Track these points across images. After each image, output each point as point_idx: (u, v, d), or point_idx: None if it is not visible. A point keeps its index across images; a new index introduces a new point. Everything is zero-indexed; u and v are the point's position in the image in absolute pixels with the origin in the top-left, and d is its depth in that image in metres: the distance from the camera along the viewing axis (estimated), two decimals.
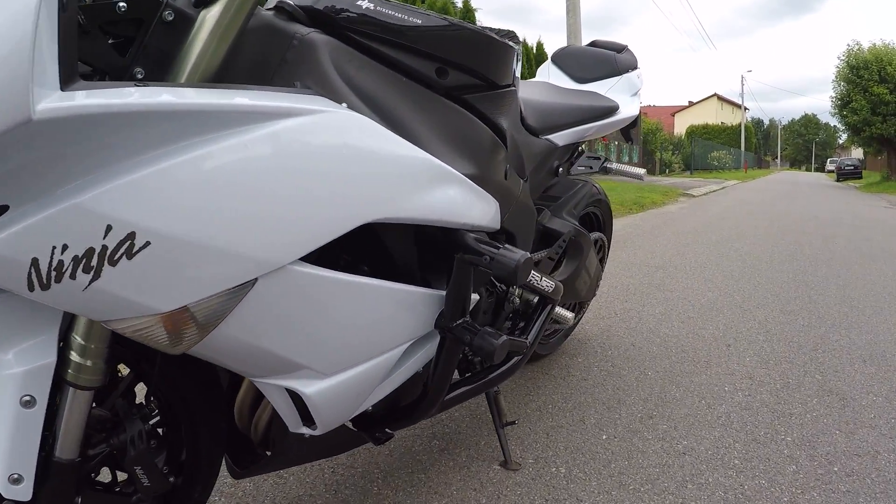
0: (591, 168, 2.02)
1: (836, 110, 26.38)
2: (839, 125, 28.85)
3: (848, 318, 3.16)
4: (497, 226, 1.35)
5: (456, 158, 1.15)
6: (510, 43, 1.27)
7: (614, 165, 2.09)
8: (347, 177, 0.89)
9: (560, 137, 1.79)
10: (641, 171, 2.10)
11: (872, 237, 6.61)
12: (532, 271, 1.43)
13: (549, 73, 2.22)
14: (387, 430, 1.35)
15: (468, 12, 12.04)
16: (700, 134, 47.76)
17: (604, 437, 1.89)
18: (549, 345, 2.52)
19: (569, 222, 1.96)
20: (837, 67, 26.16)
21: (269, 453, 1.26)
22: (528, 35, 19.19)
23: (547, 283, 1.54)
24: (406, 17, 1.08)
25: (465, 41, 1.16)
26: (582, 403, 2.12)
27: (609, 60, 2.16)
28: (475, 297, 1.37)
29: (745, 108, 60.51)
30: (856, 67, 24.72)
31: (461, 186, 1.13)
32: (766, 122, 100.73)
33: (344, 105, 0.93)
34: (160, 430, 1.15)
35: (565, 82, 2.16)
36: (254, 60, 0.97)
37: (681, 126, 57.29)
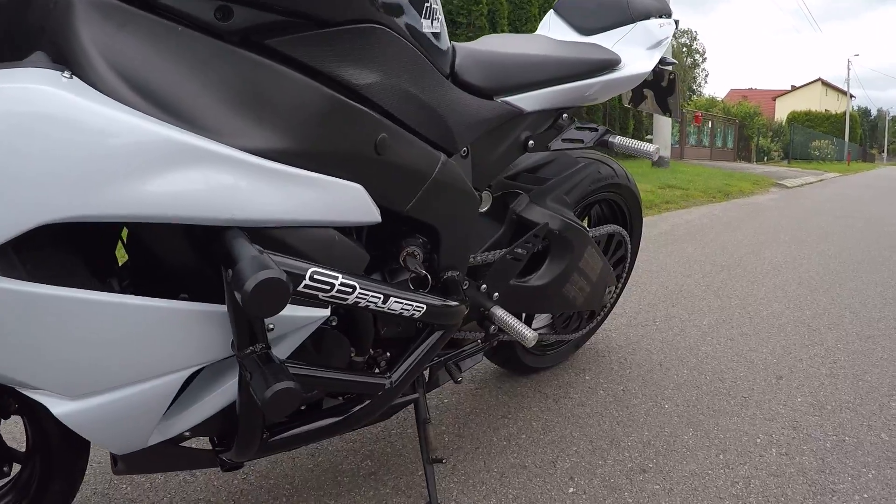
0: (582, 142, 1.55)
1: None
2: None
3: None
4: (369, 218, 1.04)
5: (252, 128, 0.87)
6: None
7: (617, 139, 1.59)
8: (9, 167, 0.71)
9: (526, 100, 1.35)
10: (653, 147, 1.59)
11: None
12: (372, 291, 1.02)
13: (549, 26, 1.75)
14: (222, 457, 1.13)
15: None
16: (801, 121, 44.79)
17: (571, 489, 1.45)
18: (547, 357, 2.08)
19: (553, 211, 1.52)
20: None
21: None
22: None
23: (412, 305, 1.12)
24: None
25: None
26: (564, 438, 1.68)
27: (619, 5, 1.67)
28: (324, 312, 1.01)
29: (851, 96, 56.23)
30: None
31: (239, 169, 0.84)
32: (874, 111, 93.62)
33: (66, 74, 0.76)
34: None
35: (568, 35, 1.69)
36: (13, 34, 0.81)
37: (782, 111, 54.03)
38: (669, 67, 1.72)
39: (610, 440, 1.67)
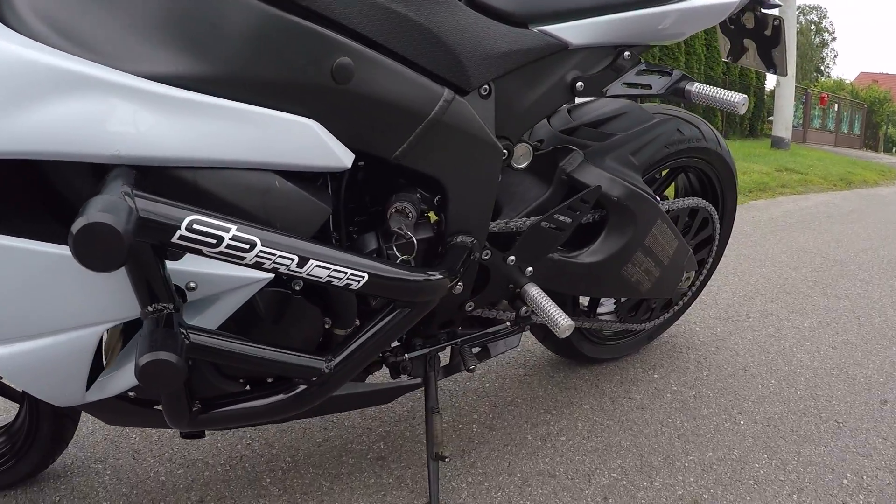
0: (650, 87, 1.26)
1: None
2: None
3: None
4: (327, 162, 0.87)
5: (159, 51, 0.75)
6: None
7: (696, 87, 1.27)
8: None
9: (572, 31, 1.10)
10: (739, 96, 1.25)
11: None
12: (281, 251, 0.81)
13: None
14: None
15: None
16: None
17: None
18: (609, 347, 1.82)
19: (613, 174, 1.26)
20: None
21: None
22: None
23: (344, 273, 0.88)
24: None
25: None
26: (610, 447, 1.43)
27: None
28: (263, 274, 0.89)
29: None
30: None
31: (131, 98, 0.72)
32: None
33: None
34: None
35: None
36: None
37: None
38: (774, 12, 1.39)
39: (664, 457, 1.42)
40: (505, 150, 1.11)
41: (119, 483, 1.33)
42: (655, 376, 1.81)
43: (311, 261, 0.84)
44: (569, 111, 1.41)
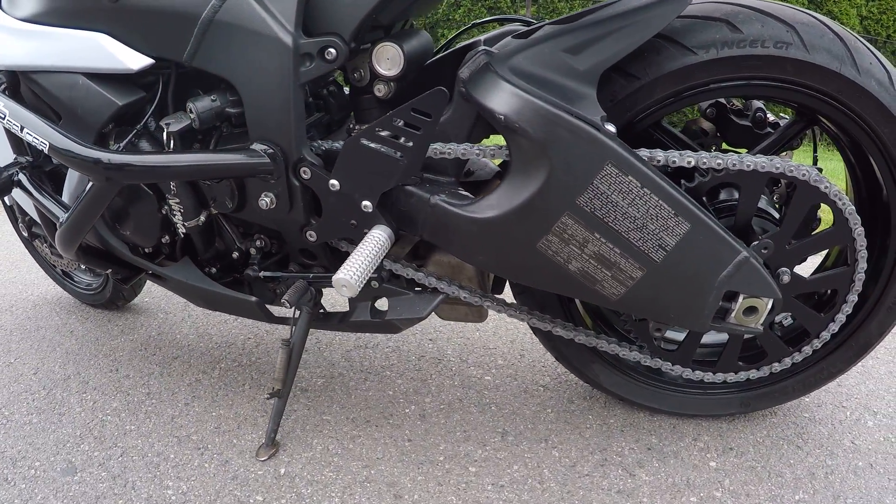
0: None
1: None
2: None
3: None
4: (114, 65, 1.06)
5: (23, 3, 1.17)
6: None
7: None
8: None
9: None
10: None
11: None
12: (10, 116, 1.17)
13: None
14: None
15: None
16: None
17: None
18: (655, 395, 1.30)
19: (509, 80, 0.91)
20: None
21: None
22: None
23: (39, 139, 1.14)
24: None
25: None
26: None
27: None
28: None
29: None
30: None
31: (5, 32, 1.16)
32: None
33: None
34: None
35: None
36: None
37: None
38: None
39: None
40: (332, 50, 0.94)
41: (190, 331, 1.64)
42: (712, 465, 1.19)
43: (25, 129, 1.10)
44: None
